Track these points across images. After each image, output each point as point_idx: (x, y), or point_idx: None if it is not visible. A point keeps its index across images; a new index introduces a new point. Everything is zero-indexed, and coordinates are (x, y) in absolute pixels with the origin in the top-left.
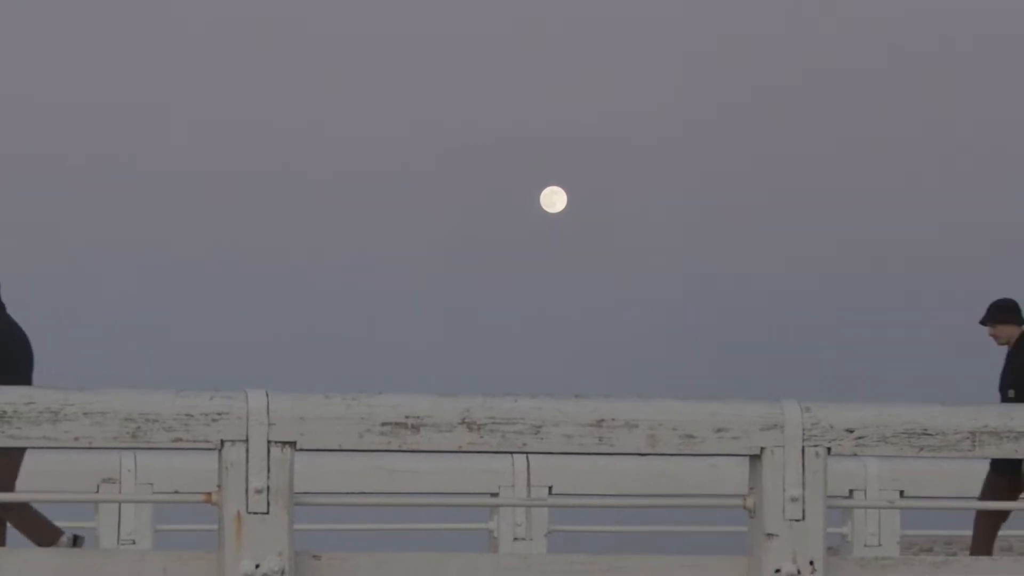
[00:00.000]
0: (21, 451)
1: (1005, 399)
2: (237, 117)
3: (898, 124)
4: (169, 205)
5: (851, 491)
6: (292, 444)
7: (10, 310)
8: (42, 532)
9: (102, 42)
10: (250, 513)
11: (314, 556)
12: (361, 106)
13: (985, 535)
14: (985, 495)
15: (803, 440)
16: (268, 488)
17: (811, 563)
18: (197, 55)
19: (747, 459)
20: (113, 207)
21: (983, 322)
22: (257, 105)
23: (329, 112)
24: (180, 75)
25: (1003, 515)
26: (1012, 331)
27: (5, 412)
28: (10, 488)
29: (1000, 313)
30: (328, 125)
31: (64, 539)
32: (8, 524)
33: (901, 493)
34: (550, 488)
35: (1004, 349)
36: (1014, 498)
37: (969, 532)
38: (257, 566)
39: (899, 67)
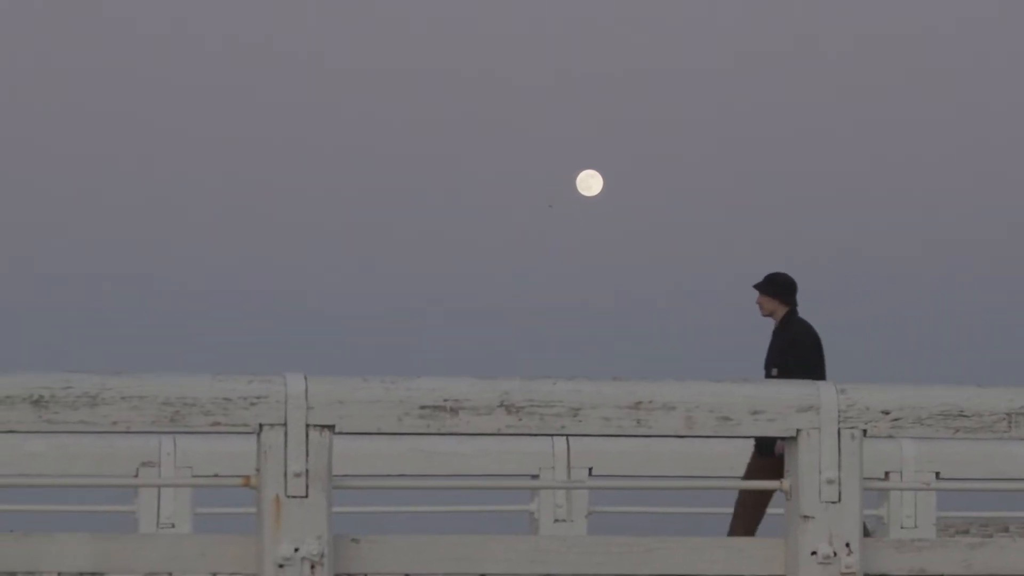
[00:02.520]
0: None
1: (768, 377)
2: (260, 98)
3: (939, 98)
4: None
5: (887, 473)
6: (331, 427)
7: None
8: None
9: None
10: (289, 497)
11: (353, 539)
12: (391, 92)
13: (745, 518)
14: (749, 477)
15: (839, 422)
16: (307, 472)
17: (847, 545)
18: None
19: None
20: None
21: (755, 286)
22: (272, 85)
23: (364, 93)
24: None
25: (767, 496)
26: (776, 307)
27: (43, 397)
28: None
29: (770, 286)
30: (357, 108)
31: None
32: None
33: (937, 475)
34: (590, 470)
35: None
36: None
37: (1005, 513)
38: (296, 550)
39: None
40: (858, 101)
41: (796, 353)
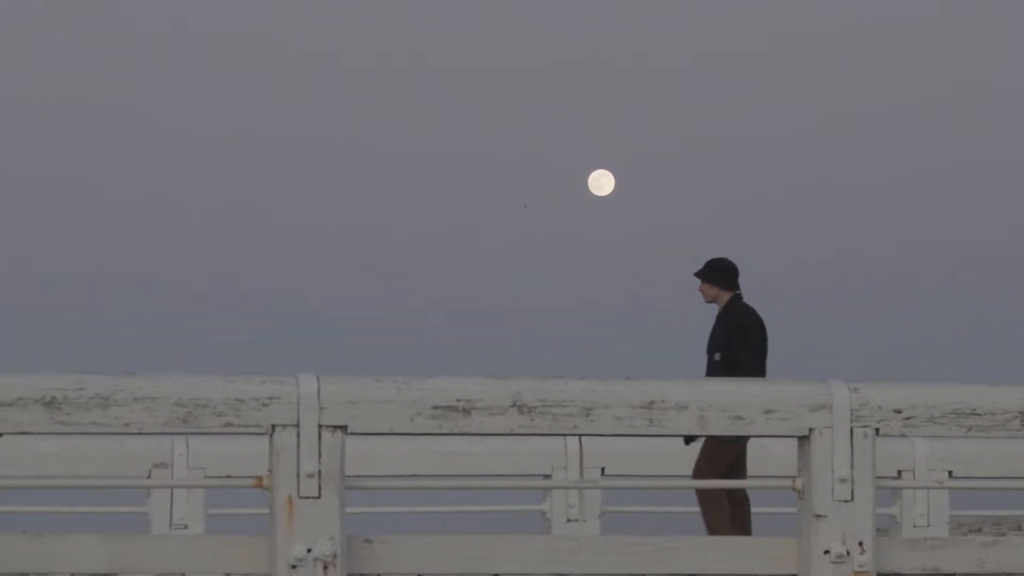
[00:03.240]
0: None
1: (711, 362)
2: (266, 94)
3: (956, 93)
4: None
5: (900, 472)
6: (343, 428)
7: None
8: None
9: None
10: (301, 497)
11: (366, 540)
12: (404, 92)
13: (717, 503)
14: (706, 469)
15: (851, 421)
16: (319, 472)
17: (860, 544)
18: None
19: (796, 440)
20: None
21: (696, 274)
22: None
23: (376, 93)
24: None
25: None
26: (719, 292)
27: (55, 398)
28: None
29: (712, 272)
30: (381, 107)
31: None
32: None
33: (950, 473)
34: (602, 469)
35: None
36: (741, 467)
37: (1018, 512)
38: (309, 550)
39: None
40: (876, 99)
41: (742, 337)
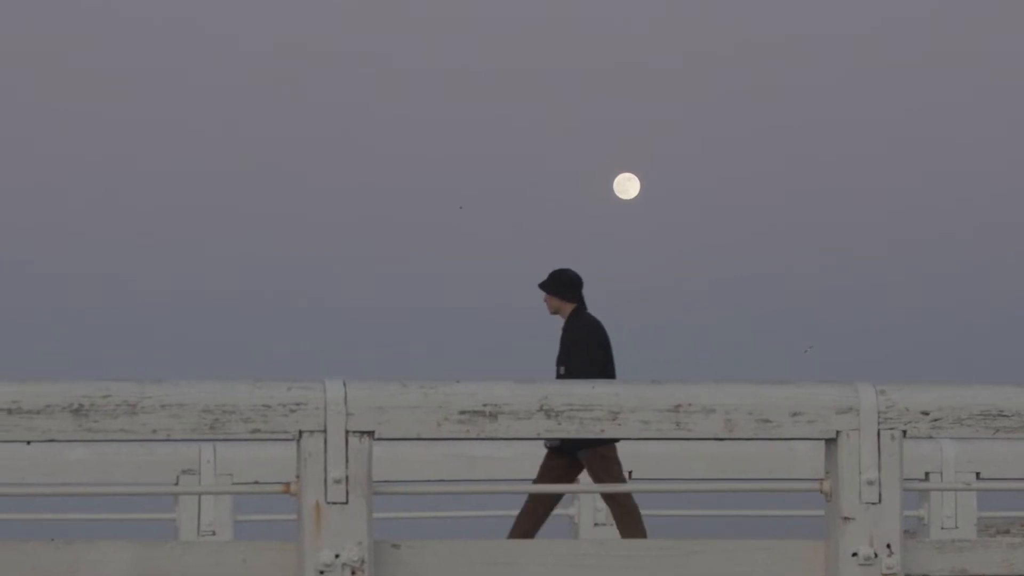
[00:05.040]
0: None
1: (558, 375)
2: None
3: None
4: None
5: (927, 474)
6: (370, 433)
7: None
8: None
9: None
10: (329, 503)
11: (393, 545)
12: (446, 93)
13: (533, 518)
14: (542, 477)
15: (879, 423)
16: (347, 478)
17: (888, 546)
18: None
19: (823, 443)
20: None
21: (540, 285)
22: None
23: (409, 94)
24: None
25: (555, 498)
26: (560, 304)
27: (83, 406)
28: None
29: (552, 284)
30: (414, 107)
31: None
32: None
33: (977, 475)
34: (630, 473)
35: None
36: (571, 479)
37: None
38: (337, 556)
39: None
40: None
41: (579, 352)
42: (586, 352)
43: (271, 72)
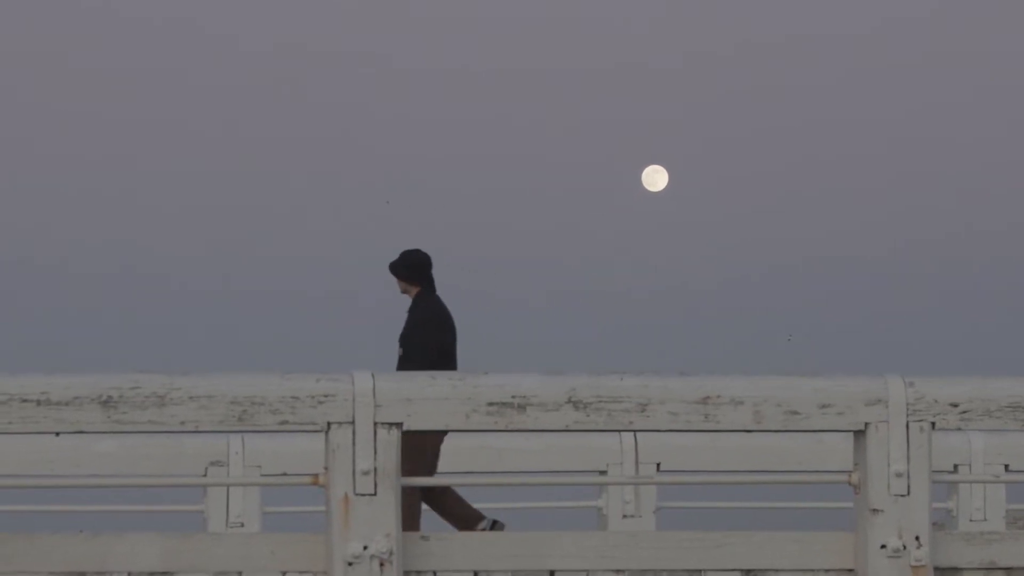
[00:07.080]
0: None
1: (399, 355)
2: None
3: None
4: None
5: (956, 466)
6: (399, 425)
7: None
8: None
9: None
10: (357, 495)
11: (422, 537)
12: (464, 90)
13: (459, 505)
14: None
15: (907, 415)
16: (375, 470)
17: (916, 538)
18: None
19: (851, 434)
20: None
21: (389, 267)
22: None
23: (430, 94)
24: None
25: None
26: (407, 286)
27: (112, 397)
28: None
29: (399, 265)
30: (430, 109)
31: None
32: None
33: (1006, 467)
34: (658, 465)
35: None
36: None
37: None
38: (365, 547)
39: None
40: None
41: (419, 334)
42: (424, 334)
43: (271, 72)
